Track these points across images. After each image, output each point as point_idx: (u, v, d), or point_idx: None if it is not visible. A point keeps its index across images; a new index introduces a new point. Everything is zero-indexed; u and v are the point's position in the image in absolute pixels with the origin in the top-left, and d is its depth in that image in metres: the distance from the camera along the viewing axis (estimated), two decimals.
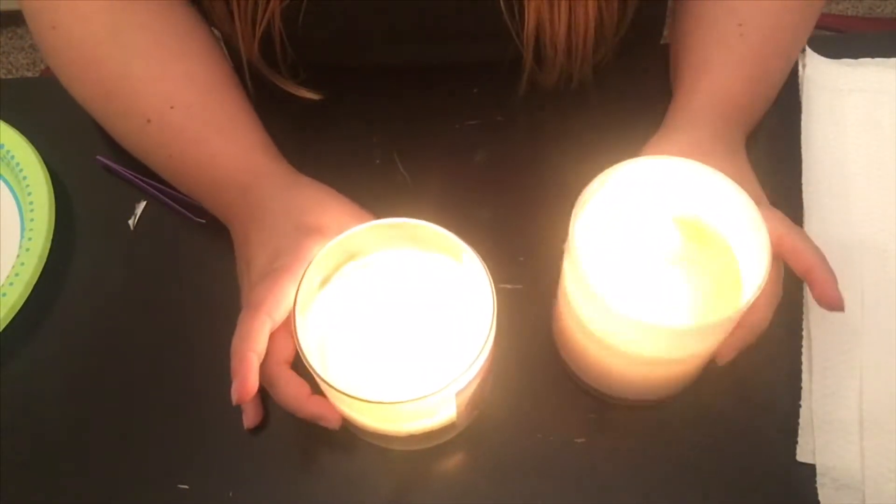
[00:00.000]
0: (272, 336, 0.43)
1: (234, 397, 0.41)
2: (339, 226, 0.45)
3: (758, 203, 0.40)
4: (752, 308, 0.37)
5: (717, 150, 0.47)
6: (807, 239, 0.44)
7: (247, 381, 0.41)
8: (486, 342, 0.38)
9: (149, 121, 0.50)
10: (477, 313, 0.42)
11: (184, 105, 0.50)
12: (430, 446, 0.46)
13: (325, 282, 0.43)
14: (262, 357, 0.42)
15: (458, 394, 0.39)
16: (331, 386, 0.37)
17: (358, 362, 0.42)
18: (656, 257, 0.40)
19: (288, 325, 0.43)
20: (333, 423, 0.43)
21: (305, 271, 0.41)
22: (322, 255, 0.41)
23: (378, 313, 0.43)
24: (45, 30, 0.52)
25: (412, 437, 0.44)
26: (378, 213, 0.48)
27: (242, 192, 0.49)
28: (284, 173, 0.50)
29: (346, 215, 0.47)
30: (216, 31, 0.56)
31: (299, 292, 0.40)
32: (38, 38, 0.53)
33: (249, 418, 0.47)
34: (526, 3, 0.50)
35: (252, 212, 0.48)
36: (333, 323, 0.43)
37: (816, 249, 0.43)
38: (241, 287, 0.48)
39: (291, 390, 0.43)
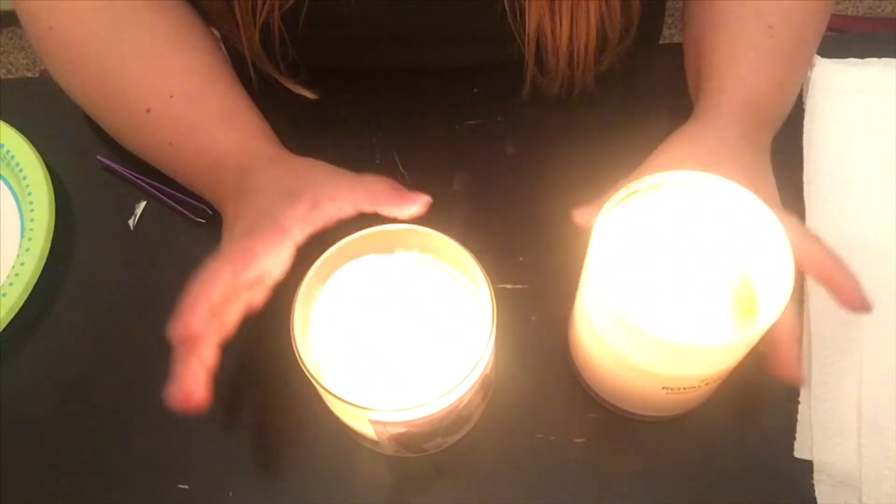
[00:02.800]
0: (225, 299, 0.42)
1: (171, 334, 0.40)
2: (315, 186, 0.45)
3: (773, 206, 0.40)
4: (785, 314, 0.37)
5: (744, 150, 0.47)
6: (823, 245, 0.43)
7: (190, 321, 0.40)
8: (447, 393, 0.38)
9: (148, 110, 0.50)
10: (477, 318, 0.42)
11: (184, 94, 0.50)
12: (397, 455, 0.46)
13: (323, 281, 0.43)
14: (213, 309, 0.41)
15: (373, 422, 0.39)
16: (304, 363, 0.38)
17: (353, 361, 0.42)
18: (679, 273, 0.39)
19: (236, 295, 0.42)
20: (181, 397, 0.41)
21: (309, 272, 0.41)
22: (323, 259, 0.41)
23: (378, 315, 0.43)
24: (42, 31, 0.52)
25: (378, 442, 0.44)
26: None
27: (241, 174, 0.49)
28: (283, 155, 0.50)
29: (325, 177, 0.46)
30: (215, 31, 0.56)
31: (299, 292, 0.40)
32: (34, 39, 0.53)
33: (182, 394, 0.41)
34: (527, 12, 0.50)
35: (245, 187, 0.48)
36: (331, 320, 0.43)
37: (833, 254, 0.43)
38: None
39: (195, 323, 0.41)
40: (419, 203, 0.43)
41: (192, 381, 0.41)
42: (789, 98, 0.53)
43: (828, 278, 0.43)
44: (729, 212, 0.40)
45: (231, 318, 0.43)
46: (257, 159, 0.49)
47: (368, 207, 0.44)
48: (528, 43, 0.52)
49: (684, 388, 0.42)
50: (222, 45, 0.56)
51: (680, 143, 0.48)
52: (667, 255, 0.40)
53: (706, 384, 0.42)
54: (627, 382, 0.43)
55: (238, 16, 0.52)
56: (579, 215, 0.44)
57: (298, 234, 0.43)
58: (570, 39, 0.51)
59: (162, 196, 0.55)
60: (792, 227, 0.43)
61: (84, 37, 0.51)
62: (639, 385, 0.43)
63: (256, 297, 0.44)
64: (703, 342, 0.37)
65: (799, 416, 0.46)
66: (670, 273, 0.39)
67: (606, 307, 0.39)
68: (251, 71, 0.56)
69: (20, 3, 0.52)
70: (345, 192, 0.44)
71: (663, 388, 0.42)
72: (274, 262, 0.43)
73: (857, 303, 0.42)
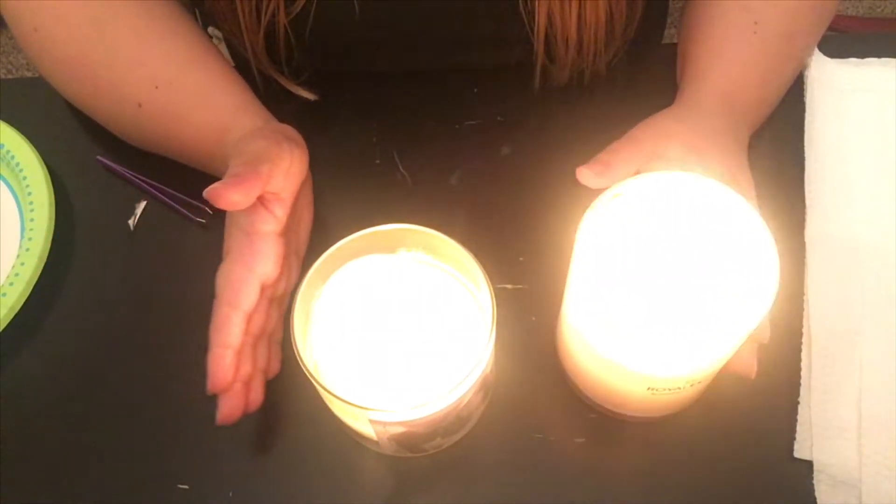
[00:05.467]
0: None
1: (211, 391, 0.43)
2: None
3: (749, 198, 0.40)
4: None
5: (718, 139, 0.47)
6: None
7: (219, 378, 0.43)
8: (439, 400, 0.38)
9: (139, 105, 0.50)
10: (477, 318, 0.42)
11: (166, 83, 0.50)
12: (397, 455, 0.46)
13: (324, 280, 0.43)
14: (237, 348, 0.43)
15: (373, 422, 0.39)
16: (304, 363, 0.38)
17: (353, 361, 0.42)
18: (665, 275, 0.39)
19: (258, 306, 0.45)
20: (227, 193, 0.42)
21: (309, 272, 0.41)
22: (323, 259, 0.41)
23: (378, 315, 0.43)
24: (28, 33, 0.52)
25: (378, 442, 0.44)
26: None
27: (222, 161, 0.48)
28: (257, 129, 0.50)
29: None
30: (217, 31, 0.56)
31: (299, 291, 0.40)
32: (22, 41, 0.53)
33: (227, 411, 0.44)
34: (537, 1, 0.50)
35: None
36: (331, 320, 0.43)
37: None
38: None
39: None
40: (238, 191, 0.43)
41: (221, 371, 0.43)
42: (772, 95, 0.53)
43: None
44: (713, 213, 0.40)
45: (258, 325, 0.45)
46: (233, 145, 0.49)
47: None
48: (539, 30, 0.52)
49: (669, 389, 0.42)
50: (226, 48, 0.56)
51: (665, 118, 0.49)
52: (651, 257, 0.40)
53: (691, 385, 0.42)
54: (612, 383, 0.43)
55: (241, 19, 0.52)
56: (583, 174, 0.44)
57: (266, 226, 0.45)
58: (579, 25, 0.52)
59: (162, 196, 0.55)
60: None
61: (68, 36, 0.51)
62: (624, 386, 0.43)
63: (273, 291, 0.46)
64: (685, 344, 0.37)
65: (799, 416, 0.46)
66: (654, 274, 0.39)
67: (590, 309, 0.39)
68: (255, 72, 0.56)
69: (5, 4, 0.52)
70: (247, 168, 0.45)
71: (648, 388, 0.42)
72: (263, 269, 0.44)
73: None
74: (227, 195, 0.42)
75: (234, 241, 0.45)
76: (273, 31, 0.53)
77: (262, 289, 0.45)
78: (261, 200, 0.44)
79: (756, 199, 0.46)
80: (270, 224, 0.45)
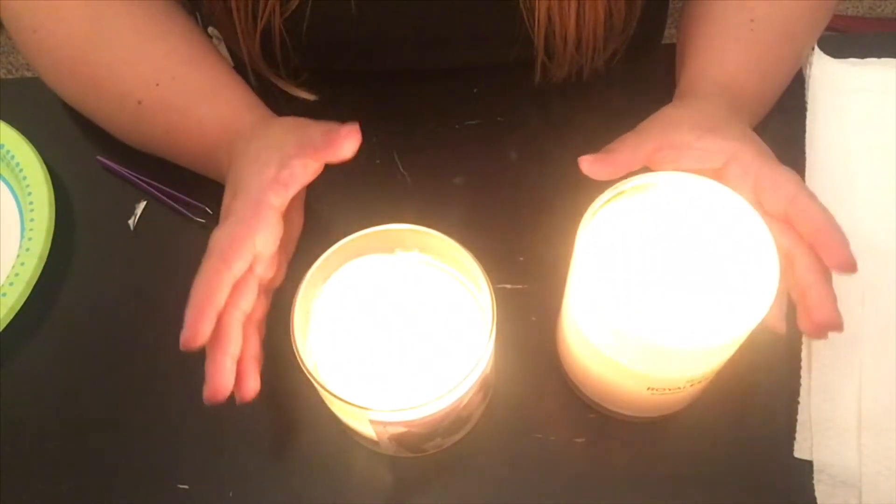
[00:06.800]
0: (235, 287, 0.42)
1: (181, 345, 0.40)
2: (284, 147, 0.45)
3: (775, 162, 0.41)
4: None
5: (726, 120, 0.47)
6: (817, 201, 0.43)
7: (197, 330, 0.40)
8: (443, 395, 0.38)
9: (140, 102, 0.50)
10: (477, 318, 0.42)
11: (168, 79, 0.50)
12: (392, 455, 0.46)
13: (323, 281, 0.43)
14: (220, 308, 0.41)
15: (373, 422, 0.39)
16: (304, 363, 0.38)
17: (353, 361, 0.42)
18: (665, 274, 0.39)
19: (246, 278, 0.43)
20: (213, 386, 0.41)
21: (309, 272, 0.41)
22: (323, 259, 0.41)
23: (378, 315, 0.43)
24: (27, 34, 0.52)
25: (375, 441, 0.44)
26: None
27: (227, 156, 0.49)
28: (264, 125, 0.49)
29: (291, 137, 0.46)
30: (216, 32, 0.56)
31: (299, 291, 0.40)
32: (20, 42, 0.53)
33: (208, 391, 0.41)
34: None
35: (231, 168, 0.48)
36: (331, 320, 0.43)
37: (825, 211, 0.42)
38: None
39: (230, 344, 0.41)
40: (349, 140, 0.43)
41: (219, 377, 0.41)
42: (769, 92, 0.53)
43: (815, 234, 0.42)
44: (713, 213, 0.40)
45: (248, 302, 0.43)
46: (240, 136, 0.49)
47: (317, 157, 0.44)
48: (538, 28, 0.52)
49: (669, 389, 0.42)
50: (226, 49, 0.56)
51: (670, 109, 0.48)
52: (651, 256, 0.40)
53: (691, 385, 0.42)
54: (612, 383, 0.43)
55: (238, 23, 0.52)
56: (587, 164, 0.43)
57: (275, 199, 0.43)
58: (578, 22, 0.52)
59: (162, 196, 0.55)
60: (791, 181, 0.43)
61: (67, 36, 0.51)
62: (623, 385, 0.43)
63: (264, 272, 0.44)
64: (685, 344, 0.37)
65: (799, 416, 0.46)
66: (655, 273, 0.39)
67: (590, 308, 0.39)
68: (250, 75, 0.56)
69: (4, 6, 0.52)
70: (296, 149, 0.44)
71: (648, 388, 0.42)
72: (263, 238, 0.43)
73: (844, 261, 0.41)
74: (343, 144, 0.42)
75: (238, 204, 0.44)
76: (269, 33, 0.53)
77: (254, 262, 0.43)
78: (278, 179, 0.44)
79: (778, 162, 0.45)
80: (279, 199, 0.43)
